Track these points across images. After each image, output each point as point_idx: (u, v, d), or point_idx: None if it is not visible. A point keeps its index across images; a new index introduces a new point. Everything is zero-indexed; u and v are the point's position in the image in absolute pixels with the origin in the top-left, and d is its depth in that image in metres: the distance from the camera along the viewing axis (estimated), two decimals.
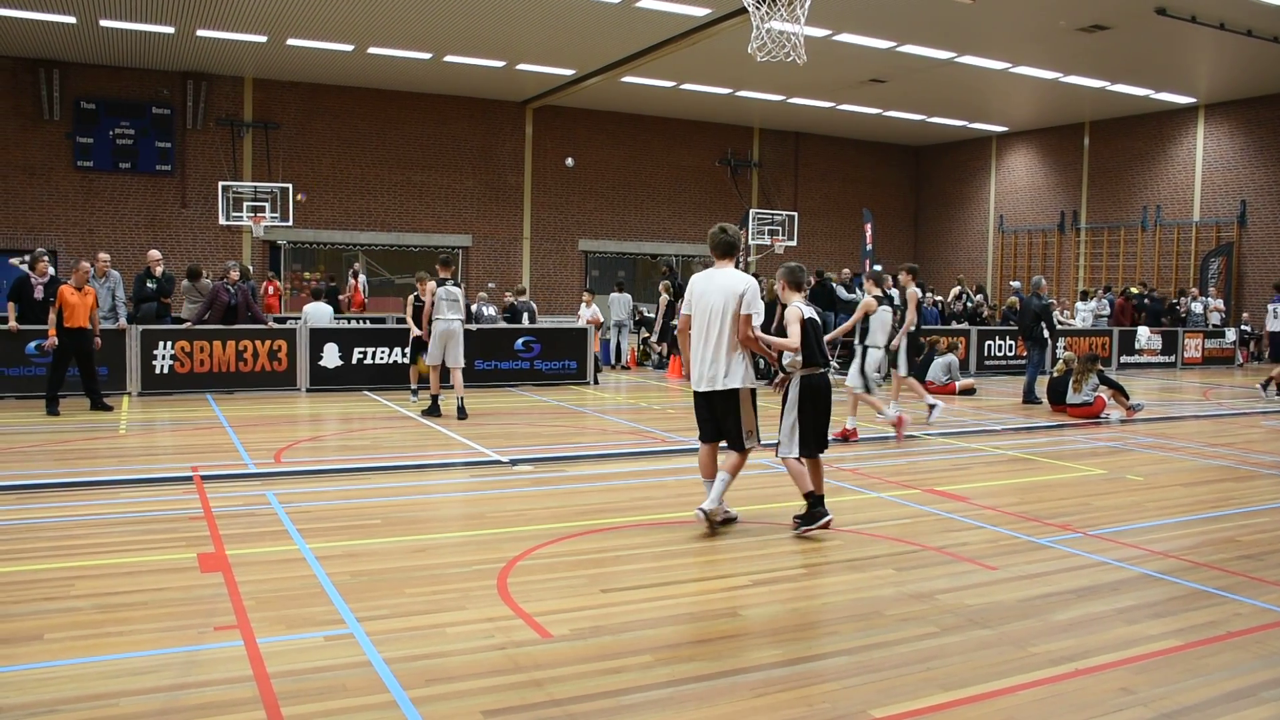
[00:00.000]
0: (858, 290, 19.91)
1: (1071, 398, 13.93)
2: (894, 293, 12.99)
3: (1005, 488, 9.05)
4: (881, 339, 11.89)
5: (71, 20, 19.81)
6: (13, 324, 13.80)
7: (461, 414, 12.71)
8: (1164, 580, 6.03)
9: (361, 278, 23.80)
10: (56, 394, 12.68)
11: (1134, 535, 7.12)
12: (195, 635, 4.83)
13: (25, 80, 23.00)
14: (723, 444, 7.16)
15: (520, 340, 17.01)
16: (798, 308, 7.14)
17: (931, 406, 12.95)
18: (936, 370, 17.23)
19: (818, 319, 7.26)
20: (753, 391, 7.04)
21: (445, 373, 13.15)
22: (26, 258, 14.38)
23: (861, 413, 12.28)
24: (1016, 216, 31.98)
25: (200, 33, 20.80)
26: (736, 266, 7.20)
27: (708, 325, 6.93)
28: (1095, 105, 27.28)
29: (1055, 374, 14.97)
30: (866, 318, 11.83)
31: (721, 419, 7.03)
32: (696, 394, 7.08)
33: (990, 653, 4.77)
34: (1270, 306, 18.29)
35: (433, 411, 12.93)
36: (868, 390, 11.77)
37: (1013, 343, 20.98)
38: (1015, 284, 26.39)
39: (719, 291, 6.93)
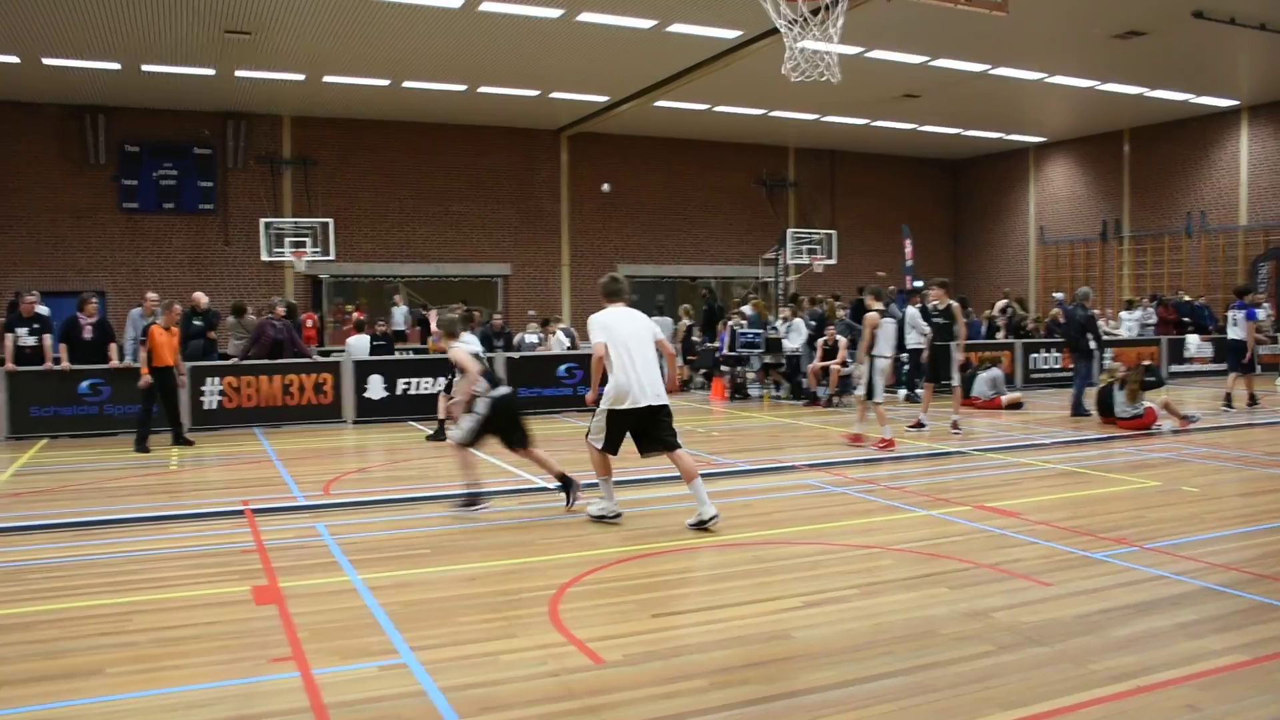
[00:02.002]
0: (896, 307, 19.80)
1: (1123, 410, 13.72)
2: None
3: (1057, 502, 8.93)
4: (887, 349, 12.56)
5: (116, 66, 20.20)
6: (65, 364, 14.08)
7: None
8: (1226, 593, 5.91)
9: (398, 310, 23.88)
10: (146, 431, 12.96)
11: (1193, 548, 7.00)
12: (252, 667, 4.87)
13: (71, 126, 23.46)
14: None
15: (563, 367, 17.06)
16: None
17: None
18: (981, 385, 17.05)
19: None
20: None
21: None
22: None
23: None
24: (1058, 227, 31.68)
25: (239, 73, 21.13)
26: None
27: (638, 350, 7.98)
28: (1134, 112, 26.99)
29: (1101, 385, 14.78)
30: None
31: (654, 430, 8.01)
32: (627, 411, 7.91)
33: (1049, 671, 4.69)
34: (1230, 313, 16.69)
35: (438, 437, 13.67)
36: (870, 396, 12.50)
37: (1058, 355, 20.75)
38: (1058, 295, 26.12)
39: (635, 323, 8.15)
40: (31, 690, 4.62)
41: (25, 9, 16.67)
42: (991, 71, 22.07)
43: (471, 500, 8.60)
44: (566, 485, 8.73)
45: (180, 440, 13.45)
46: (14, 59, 19.46)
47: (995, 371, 17.23)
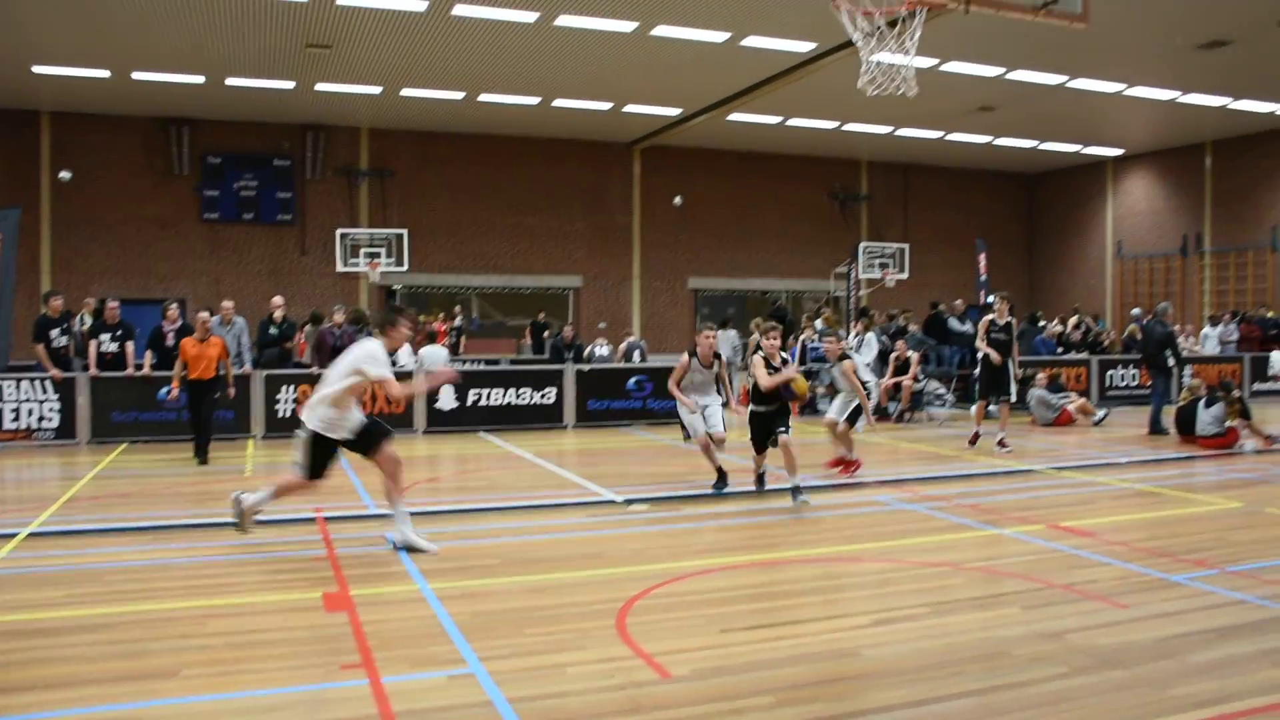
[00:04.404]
0: (969, 322, 19.54)
1: (1204, 428, 13.38)
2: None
3: (1134, 522, 8.72)
4: (865, 375, 11.85)
5: (200, 80, 20.74)
6: (146, 369, 14.45)
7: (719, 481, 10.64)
8: None
9: (457, 321, 24.26)
10: (199, 440, 12.76)
11: (1276, 572, 6.79)
12: (323, 673, 4.93)
13: (157, 138, 24.11)
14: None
15: (632, 380, 17.09)
16: None
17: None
18: (1038, 409, 16.57)
19: None
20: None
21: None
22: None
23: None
24: (1136, 242, 31.01)
25: (319, 87, 21.55)
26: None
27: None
28: (1217, 124, 26.32)
29: (1181, 402, 14.42)
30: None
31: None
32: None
33: (1126, 695, 4.59)
34: None
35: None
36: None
37: (1136, 372, 20.31)
38: (1136, 311, 25.57)
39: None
40: (111, 690, 4.73)
41: (119, 27, 17.19)
42: (1069, 84, 21.70)
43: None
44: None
45: (201, 454, 12.79)
46: (105, 73, 20.08)
47: (1035, 391, 16.72)
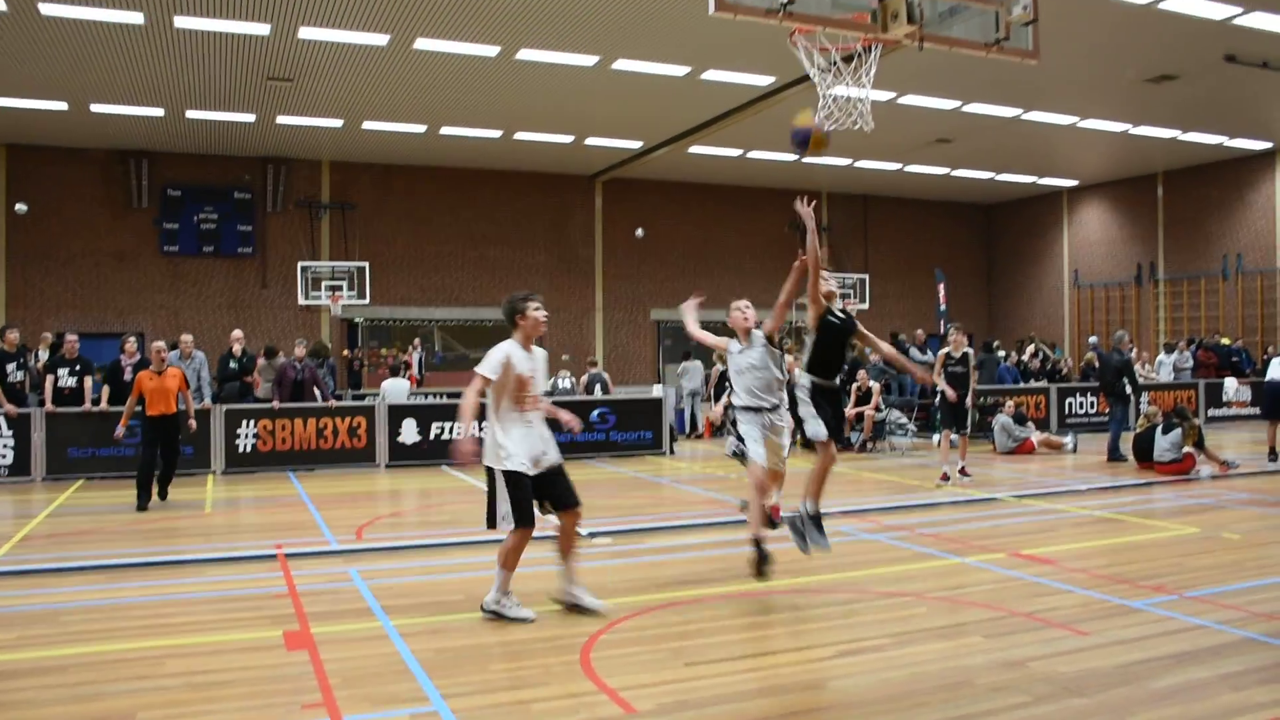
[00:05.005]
0: (929, 351, 19.72)
1: (1161, 454, 13.56)
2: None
3: (1094, 549, 8.81)
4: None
5: (160, 113, 20.63)
6: (104, 404, 14.26)
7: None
8: (1271, 644, 5.79)
9: (415, 354, 24.16)
10: (143, 482, 11.85)
11: (1234, 596, 6.87)
12: (283, 713, 4.87)
13: (116, 171, 23.92)
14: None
15: (595, 412, 17.08)
16: None
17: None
18: (1000, 438, 16.75)
19: None
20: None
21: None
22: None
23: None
24: (1091, 271, 31.50)
25: (280, 119, 21.50)
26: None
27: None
28: (1168, 155, 26.88)
29: (1138, 429, 14.60)
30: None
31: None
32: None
33: None
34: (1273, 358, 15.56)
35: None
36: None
37: (1094, 399, 20.56)
38: (1093, 339, 25.92)
39: None
40: None
41: (77, 59, 17.07)
42: (1024, 116, 22.07)
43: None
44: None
45: (162, 494, 12.26)
46: (63, 106, 19.92)
47: (1001, 418, 16.90)
